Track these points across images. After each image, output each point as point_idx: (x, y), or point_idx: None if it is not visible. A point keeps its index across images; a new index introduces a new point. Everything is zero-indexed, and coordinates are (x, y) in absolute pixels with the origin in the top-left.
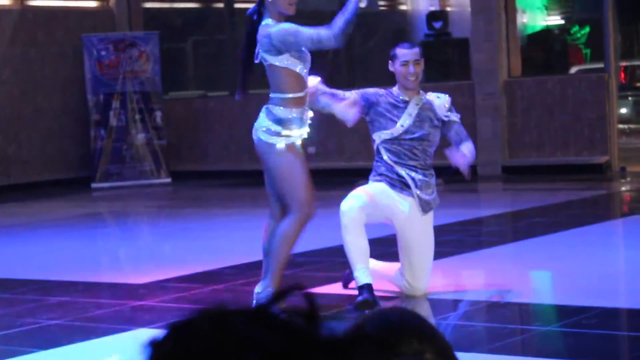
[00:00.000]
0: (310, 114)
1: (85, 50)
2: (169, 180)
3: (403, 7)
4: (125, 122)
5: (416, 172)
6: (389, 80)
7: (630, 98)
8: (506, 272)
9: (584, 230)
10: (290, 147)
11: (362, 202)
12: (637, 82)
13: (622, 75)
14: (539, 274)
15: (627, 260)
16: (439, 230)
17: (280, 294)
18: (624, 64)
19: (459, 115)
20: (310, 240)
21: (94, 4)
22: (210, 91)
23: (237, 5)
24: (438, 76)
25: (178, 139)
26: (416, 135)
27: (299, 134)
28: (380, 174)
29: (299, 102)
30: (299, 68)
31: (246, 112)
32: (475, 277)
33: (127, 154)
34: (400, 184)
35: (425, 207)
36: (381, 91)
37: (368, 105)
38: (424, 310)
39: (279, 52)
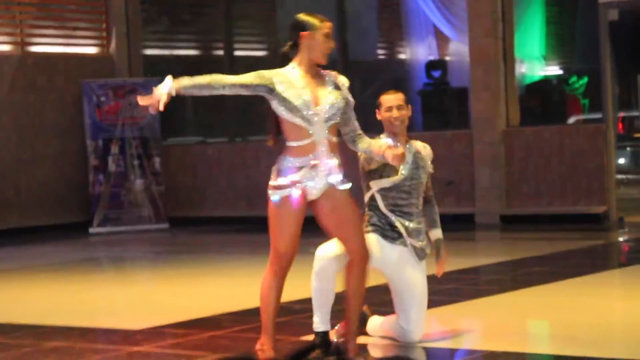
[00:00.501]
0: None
1: (85, 96)
2: (166, 225)
3: (402, 56)
4: (124, 167)
5: (410, 220)
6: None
7: (628, 148)
8: (503, 321)
9: (582, 280)
10: (284, 199)
11: (338, 251)
12: (635, 132)
13: (620, 125)
14: (536, 324)
15: (624, 311)
16: (435, 279)
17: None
18: (622, 114)
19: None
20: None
21: (94, 51)
22: (209, 137)
23: (237, 53)
24: (437, 125)
25: (176, 184)
26: (414, 182)
27: (297, 180)
28: (372, 224)
29: (300, 151)
30: (289, 116)
31: (244, 158)
32: (472, 326)
33: (125, 200)
34: (392, 234)
35: (420, 254)
36: None
37: (371, 156)
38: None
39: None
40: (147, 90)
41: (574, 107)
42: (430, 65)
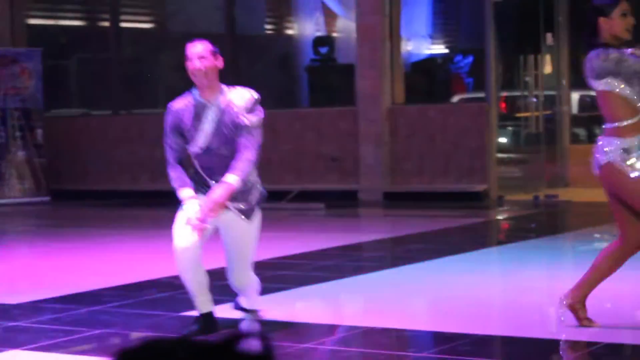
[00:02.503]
0: None
1: None
2: (48, 198)
3: (289, 32)
4: (5, 138)
5: None
6: (274, 103)
7: (510, 128)
8: (384, 297)
9: (462, 257)
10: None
11: (192, 238)
12: (517, 112)
13: (503, 105)
14: (416, 300)
15: (502, 288)
16: (318, 255)
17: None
18: (505, 94)
19: (256, 117)
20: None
21: None
22: (93, 110)
23: (123, 25)
24: (323, 101)
25: (59, 157)
26: (221, 141)
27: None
28: (195, 185)
29: (632, 130)
30: (628, 91)
31: (128, 132)
32: (353, 303)
33: (6, 172)
34: None
35: (247, 213)
36: (177, 107)
37: (179, 132)
38: (298, 335)
39: (597, 75)
40: (30, 61)
41: (459, 86)
42: (318, 42)
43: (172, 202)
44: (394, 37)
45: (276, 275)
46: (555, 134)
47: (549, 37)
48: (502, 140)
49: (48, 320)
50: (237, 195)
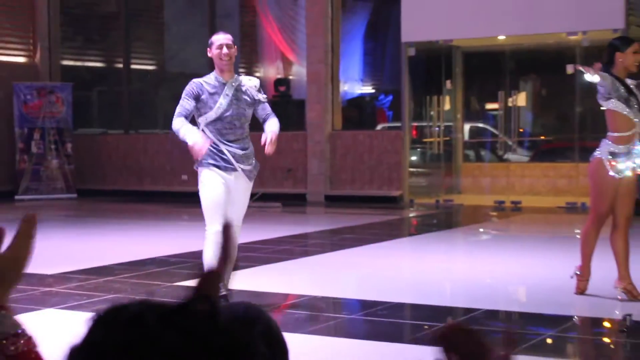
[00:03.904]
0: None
1: (15, 95)
2: (75, 195)
3: (257, 75)
4: (43, 150)
5: (236, 148)
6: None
7: (418, 149)
8: (325, 274)
9: (382, 244)
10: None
11: (219, 219)
12: (424, 137)
13: (414, 132)
14: (348, 276)
15: (412, 267)
16: (276, 241)
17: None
18: (415, 124)
19: (265, 96)
20: (182, 245)
21: (23, 60)
22: (110, 129)
23: (133, 66)
24: (281, 127)
25: (84, 164)
26: (234, 112)
27: (625, 166)
28: (207, 160)
29: (625, 140)
30: (626, 112)
31: (135, 146)
32: (301, 277)
33: (43, 175)
34: (224, 163)
35: (250, 175)
36: (200, 81)
37: (196, 98)
38: (261, 300)
39: (607, 98)
40: (63, 92)
41: (382, 117)
42: (277, 82)
43: (169, 200)
44: (334, 80)
45: (245, 256)
46: (452, 154)
47: (448, 83)
48: (413, 158)
49: (74, 287)
50: (243, 158)
